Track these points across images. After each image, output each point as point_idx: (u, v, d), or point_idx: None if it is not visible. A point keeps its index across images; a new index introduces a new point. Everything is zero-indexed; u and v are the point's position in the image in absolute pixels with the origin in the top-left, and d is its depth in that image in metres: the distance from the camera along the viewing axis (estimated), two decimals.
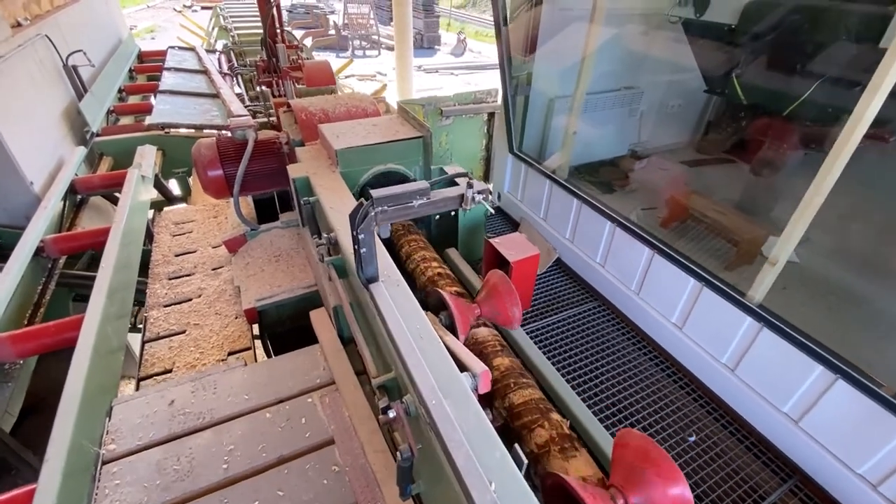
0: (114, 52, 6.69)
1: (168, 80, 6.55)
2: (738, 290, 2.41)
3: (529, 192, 3.99)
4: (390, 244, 2.93)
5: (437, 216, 3.23)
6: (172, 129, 5.13)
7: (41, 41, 4.34)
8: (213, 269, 3.41)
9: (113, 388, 2.35)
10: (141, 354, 2.73)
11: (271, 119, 5.61)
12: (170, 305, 3.09)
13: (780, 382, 2.29)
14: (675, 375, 2.83)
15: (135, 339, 3.33)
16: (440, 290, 2.10)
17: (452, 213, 3.22)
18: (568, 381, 2.49)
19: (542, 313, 3.28)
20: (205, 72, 7.07)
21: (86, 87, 4.95)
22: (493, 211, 2.08)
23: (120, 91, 6.21)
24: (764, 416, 2.40)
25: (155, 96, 6.13)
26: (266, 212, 3.85)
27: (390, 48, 20.20)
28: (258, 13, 6.46)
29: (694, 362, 2.75)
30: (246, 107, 6.27)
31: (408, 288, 1.92)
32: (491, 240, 2.83)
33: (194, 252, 3.61)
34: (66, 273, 3.42)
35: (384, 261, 2.01)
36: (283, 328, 3.12)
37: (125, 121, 5.76)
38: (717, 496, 2.23)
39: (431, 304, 2.17)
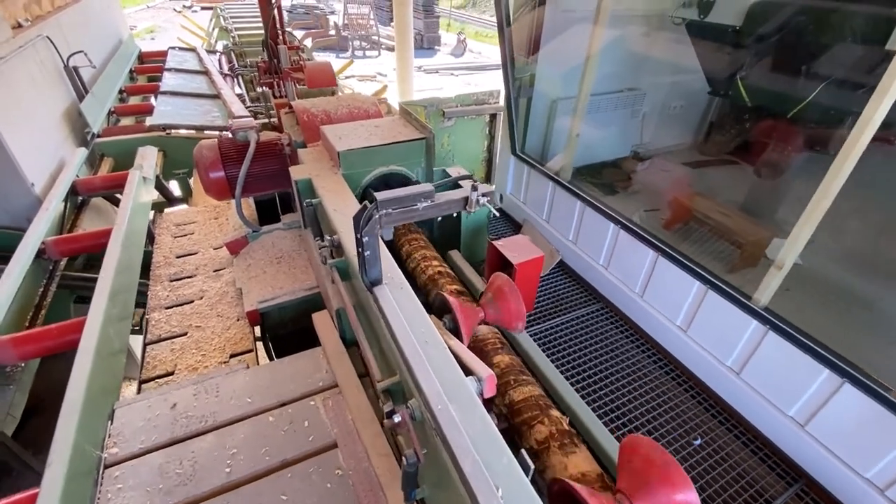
0: (114, 53, 6.68)
1: (169, 81, 6.54)
2: (743, 293, 2.40)
3: (532, 193, 3.97)
4: (390, 243, 2.92)
5: (440, 218, 3.21)
6: (173, 130, 5.12)
7: (42, 42, 4.33)
8: (215, 271, 3.40)
9: (115, 391, 2.34)
10: (143, 357, 2.72)
11: (272, 120, 5.59)
12: (171, 307, 3.08)
13: (785, 386, 2.28)
14: (680, 378, 2.82)
15: (136, 341, 3.33)
16: (444, 294, 2.09)
17: (455, 215, 3.21)
18: (572, 383, 2.48)
19: (545, 315, 3.27)
20: (205, 72, 7.06)
21: (87, 88, 4.94)
22: (497, 214, 2.06)
23: (121, 92, 6.20)
24: (770, 419, 2.39)
25: (156, 97, 6.13)
26: (267, 213, 3.84)
27: (390, 49, 20.21)
28: (259, 14, 6.45)
29: (699, 365, 2.74)
30: (247, 108, 6.26)
31: (411, 291, 1.91)
32: (494, 242, 2.82)
33: (195, 254, 3.60)
34: (68, 275, 3.41)
35: (388, 263, 1.99)
36: (285, 330, 3.11)
37: (126, 122, 5.75)
38: (722, 500, 2.22)
39: (435, 306, 2.16)
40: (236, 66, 8.19)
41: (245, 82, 8.29)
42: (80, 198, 4.06)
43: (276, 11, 6.11)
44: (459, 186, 2.57)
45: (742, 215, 3.30)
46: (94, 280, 2.60)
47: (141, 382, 2.57)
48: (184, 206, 5.21)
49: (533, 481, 1.29)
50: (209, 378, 2.35)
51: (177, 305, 3.09)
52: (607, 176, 4.20)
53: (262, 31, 6.28)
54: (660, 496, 1.32)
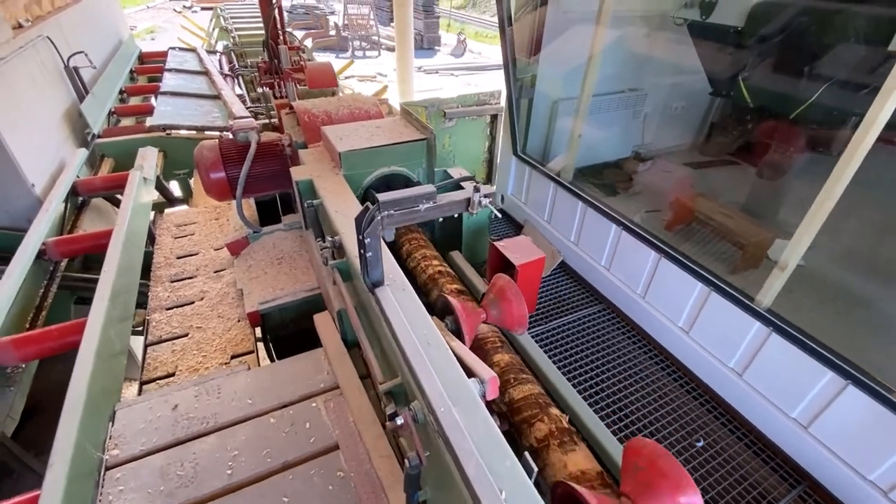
0: (115, 53, 6.68)
1: (169, 82, 6.54)
2: (746, 295, 2.39)
3: (533, 194, 3.97)
4: (391, 242, 2.92)
5: (441, 218, 3.21)
6: (174, 131, 5.12)
7: (42, 42, 4.33)
8: (216, 272, 3.40)
9: (116, 393, 2.33)
10: (143, 358, 2.71)
11: (273, 121, 5.59)
12: (172, 308, 3.07)
13: (788, 388, 2.27)
14: (682, 380, 2.81)
15: (136, 343, 3.32)
16: (446, 295, 2.08)
17: (456, 216, 3.20)
18: (574, 385, 2.47)
19: (547, 317, 3.26)
20: (206, 73, 7.06)
21: (87, 89, 4.93)
22: (499, 215, 2.06)
23: (121, 92, 6.20)
24: (772, 421, 2.38)
25: (156, 98, 6.12)
26: (268, 214, 3.84)
27: (390, 49, 20.22)
28: (259, 14, 6.45)
29: (701, 367, 2.73)
30: (247, 108, 6.25)
31: (413, 292, 1.90)
32: (496, 243, 2.81)
33: (196, 254, 3.59)
34: (68, 276, 3.40)
35: (389, 265, 1.99)
36: (286, 331, 3.11)
37: (126, 122, 5.74)
38: (725, 503, 2.21)
39: (437, 308, 2.16)
40: (236, 66, 8.18)
41: (245, 83, 8.29)
42: (81, 198, 4.06)
43: (276, 12, 6.11)
44: (461, 188, 2.56)
45: (744, 216, 3.29)
46: (95, 281, 2.59)
47: (142, 384, 2.56)
48: (184, 207, 5.21)
49: (536, 484, 1.29)
50: (210, 379, 2.35)
51: (177, 306, 3.09)
52: (608, 177, 4.20)
53: (263, 32, 6.28)
54: (665, 500, 1.31)
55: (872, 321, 2.69)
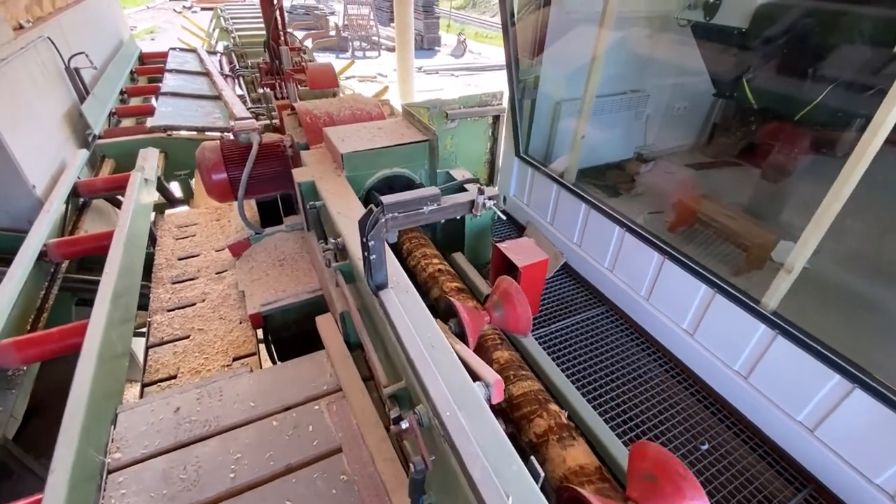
0: (115, 54, 6.67)
1: (170, 82, 6.53)
2: (751, 297, 2.38)
3: (536, 195, 3.96)
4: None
5: (443, 220, 3.20)
6: (174, 132, 5.11)
7: (43, 43, 4.32)
8: (217, 273, 3.38)
9: (118, 395, 2.32)
10: (145, 360, 2.70)
11: (274, 121, 5.58)
12: (173, 310, 3.06)
13: (794, 391, 2.26)
14: (686, 382, 2.80)
15: (137, 344, 3.31)
16: (449, 298, 2.07)
17: (458, 218, 3.19)
18: (578, 388, 2.46)
19: (550, 319, 3.25)
20: (206, 74, 7.04)
21: (88, 90, 4.92)
22: (504, 217, 2.05)
23: (122, 93, 6.19)
24: (778, 424, 2.37)
25: (157, 98, 6.11)
26: (269, 215, 3.82)
27: (390, 49, 20.22)
28: (259, 15, 6.44)
29: (706, 369, 2.72)
30: (248, 109, 6.24)
31: (417, 295, 1.89)
32: (499, 244, 2.80)
33: (198, 256, 3.58)
34: (69, 277, 3.39)
35: (393, 267, 1.98)
36: (288, 333, 3.09)
37: (127, 123, 5.73)
38: None
39: (440, 310, 2.15)
40: (237, 67, 8.17)
41: (246, 83, 8.27)
42: (82, 199, 4.04)
43: (277, 13, 6.10)
44: (464, 189, 2.56)
45: (747, 218, 3.28)
46: (96, 283, 2.58)
47: (143, 386, 2.55)
48: (185, 208, 5.19)
49: (542, 489, 1.28)
50: (212, 382, 2.34)
51: (179, 308, 3.07)
52: (611, 178, 4.19)
53: (263, 32, 6.27)
54: None
55: (879, 324, 2.67)
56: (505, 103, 4.25)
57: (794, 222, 2.18)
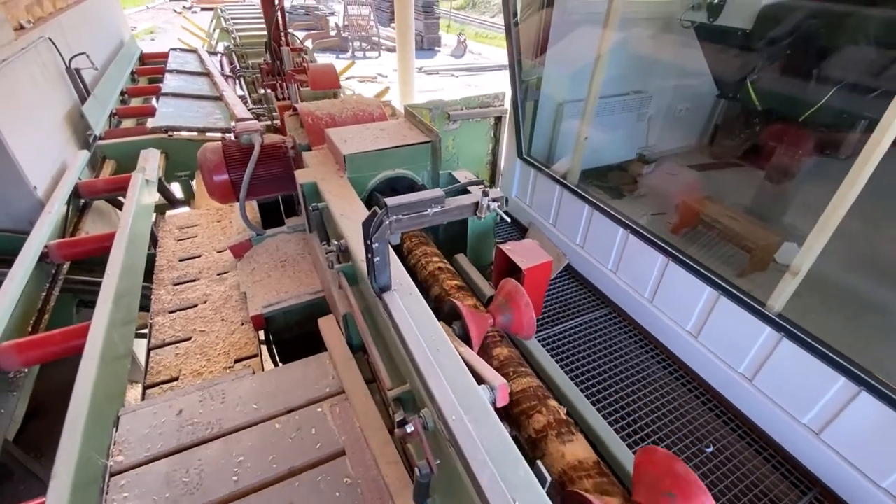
0: (116, 54, 6.66)
1: (170, 83, 6.52)
2: (756, 300, 2.37)
3: (538, 196, 3.95)
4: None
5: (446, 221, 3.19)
6: (175, 132, 5.10)
7: (44, 44, 4.31)
8: (219, 275, 3.37)
9: (119, 397, 2.31)
10: (147, 362, 2.68)
11: (275, 122, 5.58)
12: (175, 311, 3.04)
13: (800, 393, 2.25)
14: (691, 385, 2.79)
15: (138, 345, 3.29)
16: (454, 300, 2.06)
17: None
18: (582, 390, 2.45)
19: (553, 320, 3.24)
20: (207, 74, 7.03)
21: (88, 90, 4.91)
22: (508, 219, 2.04)
23: (122, 94, 6.18)
24: (783, 427, 2.36)
25: (157, 99, 6.10)
26: (271, 216, 3.81)
27: (390, 49, 20.22)
28: (260, 15, 6.44)
29: (710, 371, 2.71)
30: (249, 109, 6.23)
31: (421, 297, 1.88)
32: (502, 246, 2.79)
33: (199, 257, 3.57)
34: (71, 279, 3.38)
35: (397, 269, 1.97)
36: (290, 335, 3.08)
37: (128, 124, 5.72)
38: None
39: (444, 312, 2.14)
40: (238, 67, 8.16)
41: (246, 83, 8.26)
42: (83, 200, 4.03)
43: (279, 14, 6.09)
44: (467, 191, 2.55)
45: (751, 219, 3.27)
46: (98, 284, 2.57)
47: (145, 388, 2.54)
48: (186, 209, 5.18)
49: (549, 493, 1.27)
50: (215, 384, 2.32)
51: (180, 309, 3.06)
52: (613, 179, 4.18)
53: (263, 33, 6.26)
54: None
55: (885, 326, 2.66)
56: (507, 104, 4.25)
57: (798, 224, 2.17)
